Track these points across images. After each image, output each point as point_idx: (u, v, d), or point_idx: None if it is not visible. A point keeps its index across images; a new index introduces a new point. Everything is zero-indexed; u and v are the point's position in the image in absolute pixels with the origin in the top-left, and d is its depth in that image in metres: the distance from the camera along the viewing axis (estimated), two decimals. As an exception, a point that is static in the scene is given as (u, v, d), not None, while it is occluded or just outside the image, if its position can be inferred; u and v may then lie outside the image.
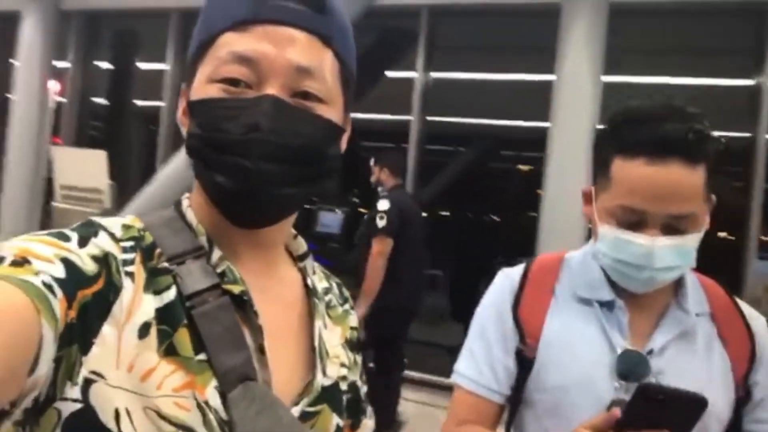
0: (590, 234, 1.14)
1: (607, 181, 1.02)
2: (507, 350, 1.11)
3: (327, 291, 0.81)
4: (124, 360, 0.57)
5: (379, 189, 3.91)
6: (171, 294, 0.62)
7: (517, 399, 1.12)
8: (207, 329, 0.61)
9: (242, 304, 0.65)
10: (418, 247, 3.93)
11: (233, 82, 0.63)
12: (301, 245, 0.77)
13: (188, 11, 5.58)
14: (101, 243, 0.61)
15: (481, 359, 1.13)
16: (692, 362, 1.04)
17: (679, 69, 4.60)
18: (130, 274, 0.61)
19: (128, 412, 0.56)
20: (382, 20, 5.33)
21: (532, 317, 1.10)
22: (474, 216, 6.83)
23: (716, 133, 0.99)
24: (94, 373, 0.56)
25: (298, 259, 0.77)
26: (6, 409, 0.48)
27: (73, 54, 6.55)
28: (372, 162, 3.99)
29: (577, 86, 4.08)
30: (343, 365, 0.76)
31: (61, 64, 6.43)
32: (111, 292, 0.58)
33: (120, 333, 0.58)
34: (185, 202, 0.70)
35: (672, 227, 0.97)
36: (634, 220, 0.98)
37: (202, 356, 0.60)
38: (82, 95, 6.63)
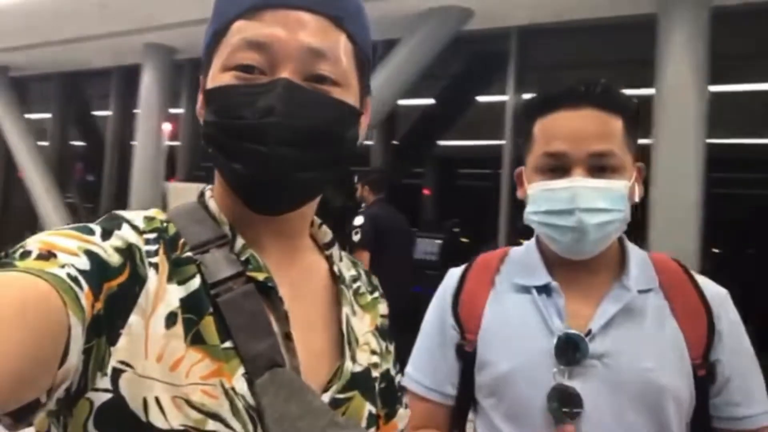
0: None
1: (531, 144, 1.05)
2: (447, 348, 1.10)
3: (355, 279, 0.79)
4: (152, 350, 0.58)
5: (363, 205, 4.20)
6: (195, 283, 0.62)
7: (470, 398, 1.08)
8: (232, 317, 0.61)
9: (267, 291, 0.64)
10: (397, 257, 4.10)
11: (246, 68, 0.63)
12: (327, 234, 0.76)
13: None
14: (124, 235, 0.61)
15: (425, 360, 1.12)
16: (639, 341, 0.99)
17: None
18: (154, 265, 0.61)
19: (157, 401, 0.57)
20: (472, 45, 5.36)
21: (471, 312, 1.09)
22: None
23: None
24: (122, 363, 0.56)
25: (324, 247, 0.76)
26: (40, 401, 0.49)
27: (185, 101, 7.09)
28: (356, 180, 4.28)
29: (681, 98, 3.87)
30: (374, 352, 0.75)
31: (176, 110, 6.97)
32: (136, 283, 0.58)
33: (147, 323, 0.58)
34: (207, 193, 0.70)
35: (595, 169, 0.99)
36: (557, 166, 1.00)
37: (228, 344, 0.60)
38: (193, 139, 7.14)
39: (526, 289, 1.07)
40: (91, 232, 0.59)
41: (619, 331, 1.00)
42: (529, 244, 1.13)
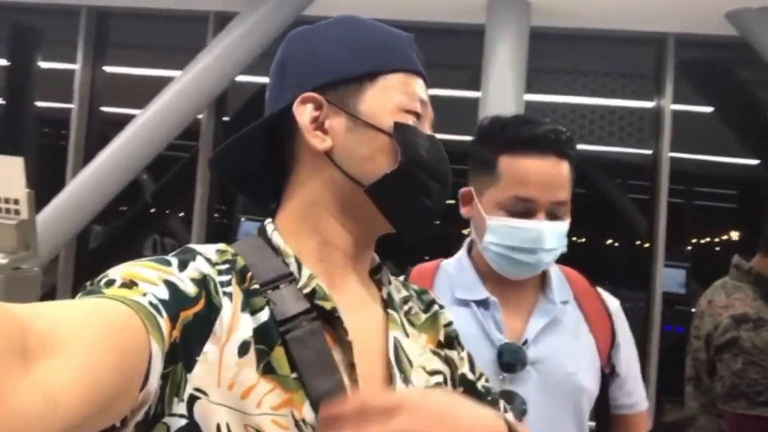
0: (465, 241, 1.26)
1: (494, 178, 1.16)
2: None
3: (407, 300, 0.82)
4: (225, 377, 0.60)
5: None
6: (265, 315, 0.65)
7: None
8: (300, 353, 0.64)
9: (332, 321, 0.68)
10: None
11: (417, 116, 0.76)
12: (374, 259, 0.81)
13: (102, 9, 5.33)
14: (199, 266, 0.64)
15: None
16: (564, 348, 1.17)
17: (588, 90, 5.00)
18: (228, 294, 0.64)
19: (228, 428, 0.59)
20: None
21: None
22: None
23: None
24: (197, 390, 0.59)
25: (373, 271, 0.80)
26: (118, 426, 0.51)
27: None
28: None
29: (501, 104, 4.34)
30: (435, 373, 0.77)
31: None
32: (211, 312, 0.62)
33: (221, 351, 0.61)
34: (269, 228, 0.74)
35: (553, 214, 1.14)
36: (523, 210, 1.13)
37: (296, 374, 0.64)
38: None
39: (465, 303, 1.17)
40: (169, 264, 0.63)
41: (547, 340, 1.16)
42: (462, 259, 1.24)
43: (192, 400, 0.59)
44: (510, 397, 1.08)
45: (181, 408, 0.58)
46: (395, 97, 0.74)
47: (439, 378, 0.77)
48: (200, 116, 5.12)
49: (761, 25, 3.94)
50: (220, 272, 0.66)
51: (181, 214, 6.51)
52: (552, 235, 1.13)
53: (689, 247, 6.20)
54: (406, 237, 0.75)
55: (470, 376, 0.83)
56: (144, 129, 4.44)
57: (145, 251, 8.44)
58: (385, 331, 0.74)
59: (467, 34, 4.81)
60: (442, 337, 0.82)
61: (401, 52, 0.77)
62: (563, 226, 1.15)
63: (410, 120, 0.74)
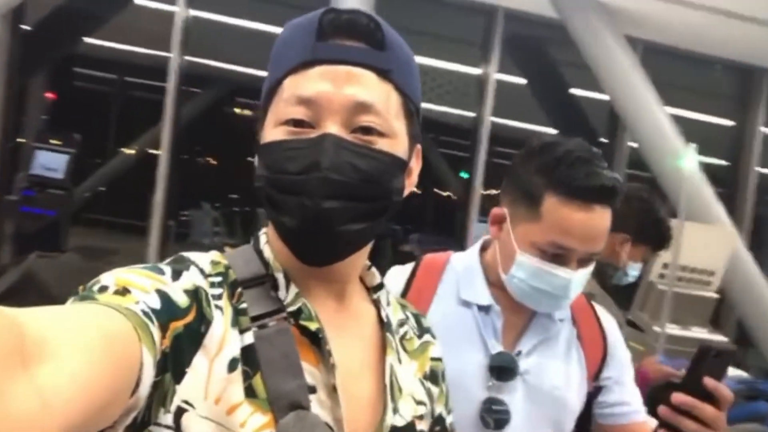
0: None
1: (535, 215, 1.08)
2: None
3: (402, 323, 0.80)
4: (212, 391, 0.60)
5: None
6: (250, 337, 0.64)
7: None
8: (265, 352, 0.63)
9: (317, 342, 0.66)
10: None
11: (296, 123, 0.65)
12: (375, 277, 0.77)
13: None
14: (192, 277, 0.63)
15: None
16: (553, 364, 1.16)
17: (422, 50, 5.21)
18: (219, 308, 0.63)
19: None
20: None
21: None
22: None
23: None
24: (185, 402, 0.59)
25: (372, 290, 0.77)
26: (109, 426, 0.51)
27: None
28: None
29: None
30: (420, 403, 0.75)
31: None
32: (202, 324, 0.61)
33: (211, 364, 0.61)
34: (263, 239, 0.72)
35: (585, 261, 1.09)
36: (558, 254, 1.06)
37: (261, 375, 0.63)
38: None
39: (467, 304, 1.15)
40: (162, 273, 0.62)
41: (539, 354, 1.15)
42: (472, 259, 1.20)
43: (180, 412, 0.58)
44: (494, 404, 1.10)
45: (167, 419, 0.58)
46: (273, 114, 0.67)
47: (423, 409, 0.75)
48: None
49: (576, 9, 4.44)
50: (212, 284, 0.65)
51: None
52: (578, 284, 1.09)
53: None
54: (307, 262, 0.67)
55: (444, 413, 0.82)
56: None
57: None
58: (382, 355, 0.72)
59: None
60: (428, 369, 0.80)
61: (292, 48, 0.67)
62: (589, 270, 1.10)
63: (282, 133, 0.65)
